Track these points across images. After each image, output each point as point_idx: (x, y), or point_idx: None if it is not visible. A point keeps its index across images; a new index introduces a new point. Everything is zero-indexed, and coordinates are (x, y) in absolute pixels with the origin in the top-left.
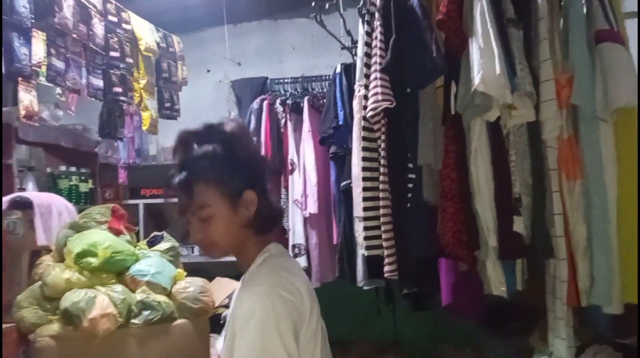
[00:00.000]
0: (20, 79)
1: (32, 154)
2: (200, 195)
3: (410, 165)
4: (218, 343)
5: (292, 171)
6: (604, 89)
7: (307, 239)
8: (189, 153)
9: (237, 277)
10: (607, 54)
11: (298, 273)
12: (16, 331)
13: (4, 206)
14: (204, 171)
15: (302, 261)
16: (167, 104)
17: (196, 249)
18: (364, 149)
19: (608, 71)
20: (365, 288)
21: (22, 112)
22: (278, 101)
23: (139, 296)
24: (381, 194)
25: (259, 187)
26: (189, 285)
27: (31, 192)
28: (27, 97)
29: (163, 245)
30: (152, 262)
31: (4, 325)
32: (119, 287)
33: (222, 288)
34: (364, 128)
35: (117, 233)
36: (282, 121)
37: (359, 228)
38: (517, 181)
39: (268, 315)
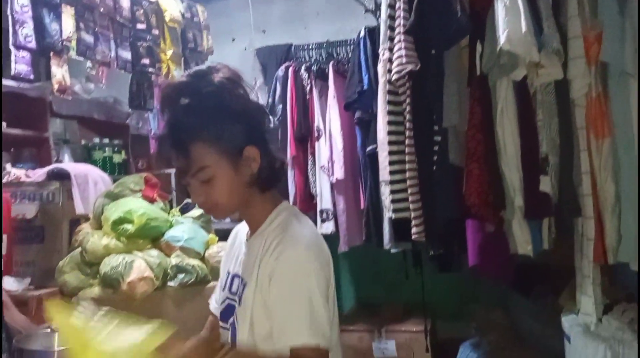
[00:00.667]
0: (52, 54)
1: (67, 127)
2: (198, 156)
3: (436, 127)
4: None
5: (318, 137)
6: (633, 45)
7: (334, 204)
8: (178, 109)
9: None
10: (636, 9)
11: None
12: (59, 295)
13: (41, 178)
14: (198, 129)
15: (329, 226)
16: None
17: None
18: (389, 113)
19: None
20: (392, 251)
21: (55, 87)
22: (303, 67)
23: (173, 260)
24: (407, 158)
25: (260, 140)
26: (221, 250)
27: (68, 163)
28: (59, 72)
29: (195, 212)
30: (185, 228)
31: (47, 290)
32: (155, 252)
33: None
34: (389, 92)
35: (151, 200)
36: (308, 88)
37: (385, 192)
38: (544, 140)
39: (312, 266)
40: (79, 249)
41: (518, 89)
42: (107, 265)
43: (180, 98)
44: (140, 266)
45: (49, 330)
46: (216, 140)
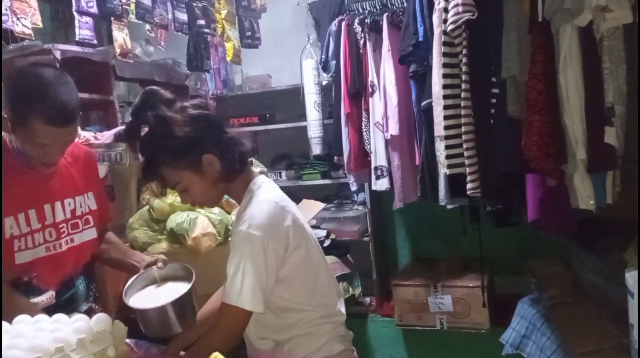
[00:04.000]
0: (112, 18)
1: (130, 90)
2: (168, 177)
3: (494, 79)
4: None
5: (372, 93)
6: None
7: (389, 161)
8: (139, 142)
9: (322, 199)
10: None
11: (282, 201)
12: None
13: (109, 140)
14: (159, 158)
15: (384, 183)
16: (248, 33)
17: (284, 174)
18: (445, 65)
19: None
20: (448, 207)
21: (118, 50)
22: (356, 20)
23: (234, 217)
24: (463, 112)
25: (213, 146)
26: None
27: None
28: (120, 36)
29: (254, 170)
30: None
31: None
32: (216, 209)
33: (309, 209)
34: (445, 43)
35: None
36: (361, 42)
37: (440, 147)
38: (610, 89)
39: (255, 242)
40: (147, 207)
41: (583, 35)
42: (173, 221)
43: (132, 140)
44: (203, 222)
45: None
46: (176, 161)
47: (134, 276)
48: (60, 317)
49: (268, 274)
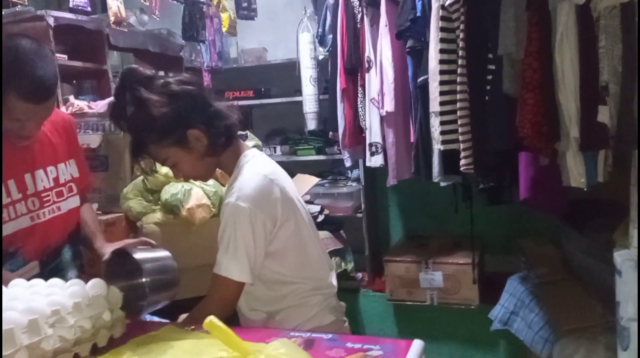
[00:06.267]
0: None
1: (124, 60)
2: (157, 154)
3: (490, 55)
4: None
5: (368, 68)
6: None
7: (383, 137)
8: (124, 122)
9: (316, 175)
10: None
11: (271, 174)
12: (124, 219)
13: (103, 109)
14: (145, 137)
15: (378, 159)
16: (244, 4)
17: (279, 149)
18: (442, 40)
19: None
20: (442, 184)
21: (112, 19)
22: None
23: None
24: (458, 88)
25: (198, 121)
26: None
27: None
28: (114, 4)
29: (247, 143)
30: None
31: (114, 214)
32: (211, 181)
33: (303, 183)
34: (442, 18)
35: None
36: (359, 16)
37: (434, 123)
38: (605, 68)
39: (244, 213)
40: (141, 177)
41: (580, 13)
42: (168, 192)
43: (118, 121)
44: (197, 193)
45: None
46: (161, 139)
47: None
48: (55, 281)
49: (256, 245)
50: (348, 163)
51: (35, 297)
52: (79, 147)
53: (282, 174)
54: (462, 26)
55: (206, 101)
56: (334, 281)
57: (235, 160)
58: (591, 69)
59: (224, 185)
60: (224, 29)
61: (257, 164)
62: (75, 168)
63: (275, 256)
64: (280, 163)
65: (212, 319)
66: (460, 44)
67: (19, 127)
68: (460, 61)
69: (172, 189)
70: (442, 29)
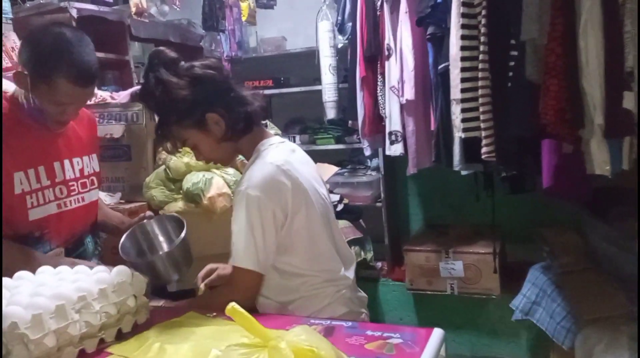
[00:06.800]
0: None
1: (145, 50)
2: (177, 135)
3: (513, 41)
4: None
5: (388, 56)
6: None
7: (403, 126)
8: (151, 103)
9: (336, 164)
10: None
11: (285, 164)
12: (147, 208)
13: (125, 100)
14: (165, 119)
15: (398, 148)
16: None
17: (298, 138)
18: (463, 26)
19: None
20: (462, 172)
21: (133, 10)
22: None
23: None
24: (480, 74)
25: (217, 105)
26: None
27: None
28: None
29: (269, 131)
30: None
31: (137, 203)
32: (231, 170)
33: (323, 173)
34: (464, 4)
35: None
36: (378, 3)
37: (456, 111)
38: (631, 54)
39: (257, 201)
40: (163, 166)
41: None
42: (189, 181)
43: (144, 100)
44: (218, 183)
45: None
46: (181, 120)
47: (128, 231)
48: (81, 268)
49: (265, 234)
50: (367, 152)
51: (63, 283)
52: (98, 143)
53: (298, 164)
54: (483, 12)
55: (228, 86)
56: (350, 273)
57: (254, 147)
58: (616, 55)
59: None
60: (243, 19)
61: (272, 153)
62: (96, 163)
63: (287, 250)
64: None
65: (234, 305)
66: (482, 30)
67: (61, 112)
68: (481, 47)
69: (194, 179)
70: (463, 15)
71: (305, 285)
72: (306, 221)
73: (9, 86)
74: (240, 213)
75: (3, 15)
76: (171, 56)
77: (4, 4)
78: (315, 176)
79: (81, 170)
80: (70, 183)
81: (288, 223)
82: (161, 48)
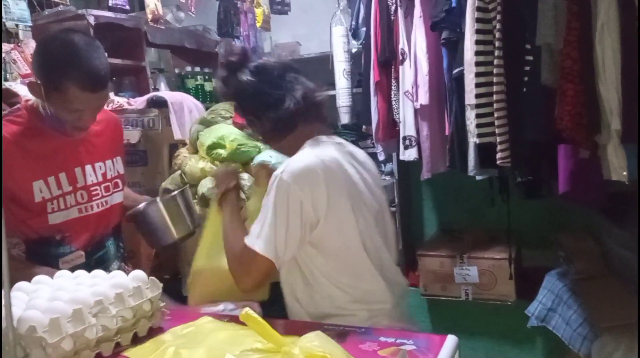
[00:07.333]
0: None
1: (161, 57)
2: (243, 114)
3: (528, 46)
4: None
5: (402, 61)
6: None
7: (418, 131)
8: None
9: None
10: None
11: (330, 161)
12: None
13: (142, 106)
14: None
15: (412, 153)
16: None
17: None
18: (478, 31)
19: None
20: (477, 178)
21: (149, 16)
22: None
23: None
24: (495, 79)
25: (250, 109)
26: None
27: (164, 91)
28: (152, 2)
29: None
30: (272, 153)
31: None
32: (246, 175)
33: None
34: (478, 8)
35: (241, 127)
36: (393, 8)
37: (470, 116)
38: None
39: (287, 190)
40: (179, 171)
41: (622, 2)
42: (204, 186)
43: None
44: None
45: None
46: (243, 109)
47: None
48: (98, 272)
49: (289, 223)
50: (381, 157)
51: (80, 287)
52: (123, 145)
53: (349, 166)
54: (498, 16)
55: (264, 90)
56: (390, 298)
57: (299, 147)
58: (633, 59)
59: None
60: (257, 25)
61: (320, 147)
62: (121, 165)
63: (315, 249)
64: None
65: (248, 311)
66: (497, 34)
67: (77, 118)
68: (496, 52)
69: (209, 183)
70: (477, 20)
71: (330, 299)
72: (340, 224)
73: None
74: (269, 195)
75: (22, 23)
76: (233, 57)
77: (23, 12)
78: (371, 183)
79: (104, 174)
80: (92, 188)
81: (319, 219)
82: (235, 47)
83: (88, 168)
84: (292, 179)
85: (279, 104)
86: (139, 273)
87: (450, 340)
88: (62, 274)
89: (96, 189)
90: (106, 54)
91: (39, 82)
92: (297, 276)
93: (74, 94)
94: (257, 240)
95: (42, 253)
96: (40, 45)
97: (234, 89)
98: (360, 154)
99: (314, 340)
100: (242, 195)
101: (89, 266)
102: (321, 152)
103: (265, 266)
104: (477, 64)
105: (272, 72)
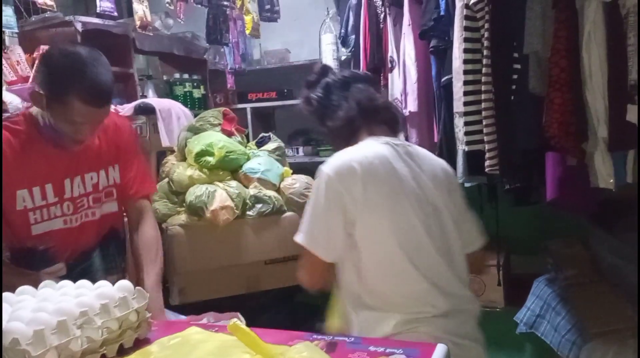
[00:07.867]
0: None
1: (149, 63)
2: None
3: (516, 54)
4: None
5: (391, 68)
6: None
7: (407, 138)
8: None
9: None
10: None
11: (375, 158)
12: None
13: (129, 113)
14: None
15: None
16: (267, 7)
17: (301, 149)
18: (466, 40)
19: None
20: (466, 184)
21: (138, 23)
22: None
23: (251, 191)
24: (483, 87)
25: (324, 115)
26: (295, 182)
27: (152, 98)
28: (140, 8)
29: (270, 145)
30: (262, 161)
31: None
32: (234, 183)
33: None
34: (467, 17)
35: (229, 134)
36: (382, 16)
37: (459, 124)
38: (634, 66)
39: (326, 181)
40: (167, 179)
41: (608, 10)
42: (192, 194)
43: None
44: (221, 195)
45: None
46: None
47: None
48: (84, 282)
49: (329, 215)
50: None
51: (65, 298)
52: (131, 149)
53: (401, 164)
54: (486, 25)
55: (323, 103)
56: (436, 304)
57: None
58: (620, 68)
59: (247, 187)
60: (247, 32)
61: (368, 145)
62: (118, 174)
63: (355, 247)
64: (303, 164)
65: (235, 322)
66: (485, 43)
67: (75, 131)
68: (485, 61)
69: (197, 191)
70: (466, 29)
71: (360, 310)
72: (375, 219)
73: (12, 98)
74: (313, 189)
75: (9, 30)
76: (313, 77)
77: (9, 18)
78: (428, 184)
79: (95, 185)
80: (78, 199)
81: (357, 216)
82: (327, 66)
83: (77, 179)
84: (332, 171)
85: (335, 114)
86: (125, 284)
87: (440, 348)
88: (47, 284)
89: (83, 201)
90: (111, 69)
91: (41, 92)
92: (344, 273)
93: (77, 108)
94: (299, 233)
95: (25, 264)
96: (47, 55)
97: (307, 105)
98: (424, 155)
99: (303, 350)
100: (232, 203)
101: (71, 278)
102: (367, 149)
103: (312, 259)
104: (466, 72)
105: (333, 85)
